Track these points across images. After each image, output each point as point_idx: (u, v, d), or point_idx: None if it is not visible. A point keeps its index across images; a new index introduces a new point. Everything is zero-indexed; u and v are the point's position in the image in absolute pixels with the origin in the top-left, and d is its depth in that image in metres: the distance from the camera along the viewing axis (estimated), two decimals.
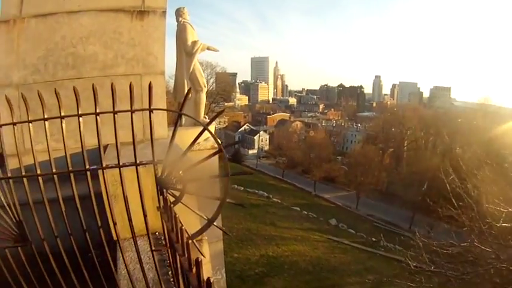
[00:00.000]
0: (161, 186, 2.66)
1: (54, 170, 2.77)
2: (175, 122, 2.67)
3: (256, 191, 48.35)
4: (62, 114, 2.72)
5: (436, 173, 18.51)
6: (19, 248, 2.96)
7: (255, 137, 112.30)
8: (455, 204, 13.27)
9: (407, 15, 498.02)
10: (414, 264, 13.58)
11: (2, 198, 2.87)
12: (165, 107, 6.08)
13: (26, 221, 2.93)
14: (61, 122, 2.74)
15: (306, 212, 45.48)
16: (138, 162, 2.71)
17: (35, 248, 2.95)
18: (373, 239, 37.98)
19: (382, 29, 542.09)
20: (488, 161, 14.23)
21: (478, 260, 12.31)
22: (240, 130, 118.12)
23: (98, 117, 2.69)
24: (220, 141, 7.90)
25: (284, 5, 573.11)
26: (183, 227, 2.55)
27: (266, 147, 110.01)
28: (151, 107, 2.65)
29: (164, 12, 5.84)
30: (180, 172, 2.60)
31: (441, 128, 74.56)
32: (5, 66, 5.40)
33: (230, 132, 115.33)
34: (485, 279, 11.98)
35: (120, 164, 2.73)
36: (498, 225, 11.39)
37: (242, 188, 46.72)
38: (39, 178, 2.76)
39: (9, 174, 2.82)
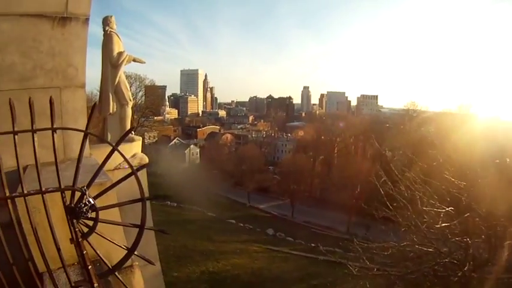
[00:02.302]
0: (71, 216, 2.27)
1: None
2: (81, 143, 2.33)
3: (190, 207, 47.78)
4: None
5: (368, 176, 18.83)
6: None
7: (186, 151, 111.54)
8: (390, 206, 13.43)
9: (335, 27, 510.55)
10: (356, 269, 13.56)
11: None
12: (86, 123, 5.63)
13: None
14: None
15: (242, 224, 45.41)
16: (43, 189, 2.35)
17: None
18: (312, 245, 38.21)
19: (310, 40, 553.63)
20: (420, 163, 14.51)
21: (420, 258, 12.49)
22: (170, 144, 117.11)
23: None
24: (147, 159, 7.35)
25: (215, 17, 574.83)
26: (91, 267, 2.35)
27: (197, 161, 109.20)
28: (54, 126, 2.41)
29: (87, 20, 5.41)
30: (91, 199, 2.25)
31: (370, 134, 76.99)
32: None
33: (160, 147, 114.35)
34: (431, 275, 12.16)
35: (25, 191, 2.37)
36: (437, 226, 11.60)
37: (175, 204, 46.13)
38: None
39: None
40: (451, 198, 11.98)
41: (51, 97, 2.39)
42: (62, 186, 2.31)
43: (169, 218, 38.06)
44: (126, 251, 2.45)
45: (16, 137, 2.41)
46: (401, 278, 12.47)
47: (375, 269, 13.04)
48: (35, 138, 2.39)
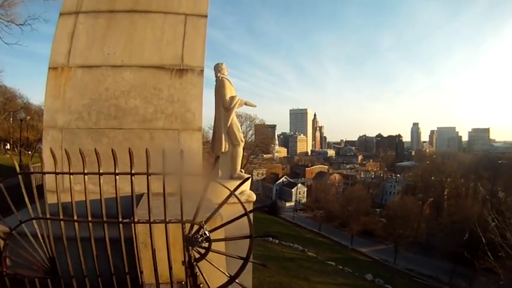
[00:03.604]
0: (187, 244, 2.89)
1: (89, 214, 3.19)
2: (204, 187, 2.93)
3: (291, 244, 47.66)
4: (101, 169, 3.18)
5: (478, 220, 17.97)
6: (48, 280, 3.32)
7: (293, 190, 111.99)
8: (492, 255, 12.74)
9: (440, 60, 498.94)
10: None
11: (38, 232, 3.24)
12: (201, 162, 6.34)
13: (59, 256, 3.31)
14: (99, 178, 3.18)
15: (341, 267, 43.98)
16: (167, 220, 3.02)
17: (65, 282, 3.34)
18: None
19: (415, 72, 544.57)
20: None
21: None
22: (277, 182, 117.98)
23: (117, 176, 3.16)
24: (254, 197, 8.00)
25: (320, 56, 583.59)
26: (201, 285, 2.84)
27: (303, 200, 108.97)
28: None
29: (202, 71, 6.12)
30: (207, 232, 2.85)
31: (481, 172, 72.69)
32: (51, 110, 5.77)
33: (268, 184, 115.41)
34: None
35: (151, 220, 3.06)
36: None
37: (277, 241, 46.35)
38: (75, 223, 3.16)
39: (47, 210, 3.21)
40: None
41: (181, 149, 3.05)
42: (184, 220, 2.94)
43: (269, 253, 38.09)
44: (229, 278, 2.95)
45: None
46: None
47: None
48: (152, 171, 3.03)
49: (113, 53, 5.90)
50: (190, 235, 2.88)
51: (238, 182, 3.00)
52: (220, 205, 2.89)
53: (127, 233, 3.30)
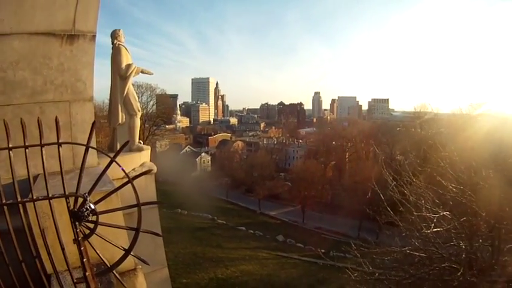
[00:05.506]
0: (74, 219, 2.60)
1: None
2: (83, 155, 2.63)
3: (201, 214, 47.87)
4: None
5: (378, 181, 18.80)
6: None
7: (197, 159, 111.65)
8: (393, 211, 13.45)
9: (343, 31, 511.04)
10: (356, 274, 13.63)
11: None
12: (93, 133, 5.95)
13: None
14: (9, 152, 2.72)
15: (252, 231, 45.14)
16: (50, 195, 2.67)
17: None
18: (322, 251, 37.91)
19: (319, 45, 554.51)
20: (420, 168, 14.60)
21: (419, 262, 12.50)
22: (181, 152, 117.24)
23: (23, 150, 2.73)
24: (155, 168, 7.62)
25: (224, 26, 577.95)
26: (85, 261, 2.61)
27: (208, 169, 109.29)
28: (60, 141, 2.67)
29: (94, 37, 5.69)
30: (92, 204, 2.57)
31: (381, 138, 76.30)
32: None
33: (171, 155, 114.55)
34: (431, 280, 12.10)
35: (34, 197, 2.70)
36: (428, 231, 11.63)
37: (186, 212, 46.25)
38: None
39: None
40: (453, 202, 12.05)
41: (56, 116, 2.67)
42: (67, 193, 2.61)
43: (179, 224, 38.09)
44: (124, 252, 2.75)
45: (27, 149, 2.71)
46: (399, 283, 12.46)
47: (376, 274, 13.08)
48: (44, 151, 2.67)
49: (1, 20, 5.29)
50: (76, 209, 2.57)
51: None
52: (101, 175, 2.61)
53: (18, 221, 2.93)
